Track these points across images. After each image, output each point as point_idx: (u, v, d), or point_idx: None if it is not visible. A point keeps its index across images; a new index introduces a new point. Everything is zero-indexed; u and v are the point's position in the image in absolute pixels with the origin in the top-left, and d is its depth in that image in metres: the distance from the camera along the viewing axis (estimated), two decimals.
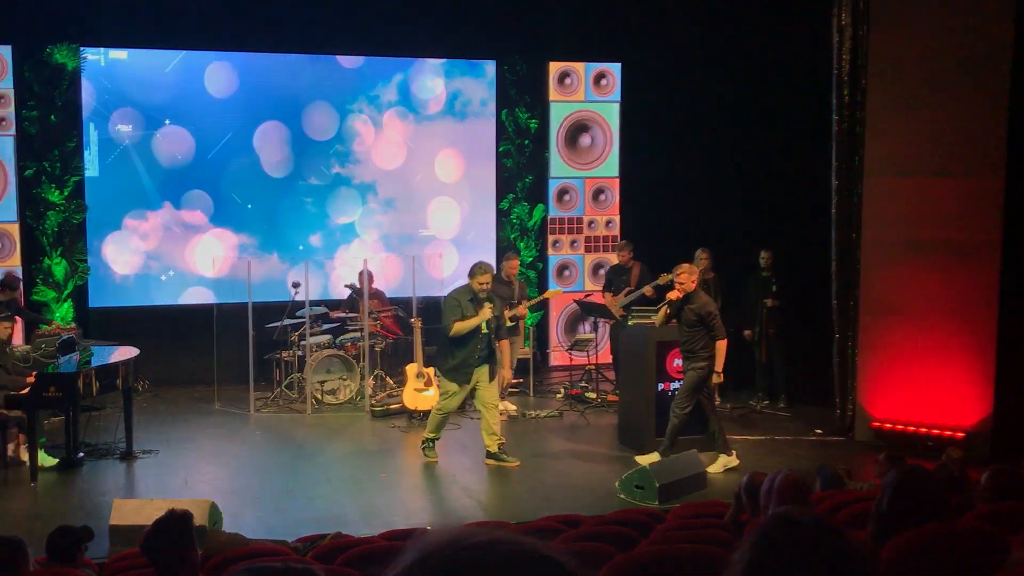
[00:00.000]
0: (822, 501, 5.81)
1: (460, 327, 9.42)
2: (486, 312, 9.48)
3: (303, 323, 12.04)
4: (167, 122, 13.15)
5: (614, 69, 14.57)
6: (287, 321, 12.17)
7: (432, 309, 11.95)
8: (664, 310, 9.69)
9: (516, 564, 1.29)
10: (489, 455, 9.68)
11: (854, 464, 9.17)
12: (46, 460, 9.41)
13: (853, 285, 10.63)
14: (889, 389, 10.35)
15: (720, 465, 9.36)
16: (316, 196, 13.81)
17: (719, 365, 9.26)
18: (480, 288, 9.49)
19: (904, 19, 10.29)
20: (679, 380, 9.95)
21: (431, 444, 9.77)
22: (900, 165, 10.26)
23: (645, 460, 9.16)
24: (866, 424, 10.50)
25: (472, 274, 9.56)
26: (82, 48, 12.69)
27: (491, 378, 9.67)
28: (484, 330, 9.58)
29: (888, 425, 10.31)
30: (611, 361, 12.86)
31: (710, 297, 9.92)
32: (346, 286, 13.08)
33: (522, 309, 11.87)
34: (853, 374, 10.66)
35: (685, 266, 9.53)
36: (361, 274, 12.43)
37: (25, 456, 9.37)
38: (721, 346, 9.25)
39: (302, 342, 12.06)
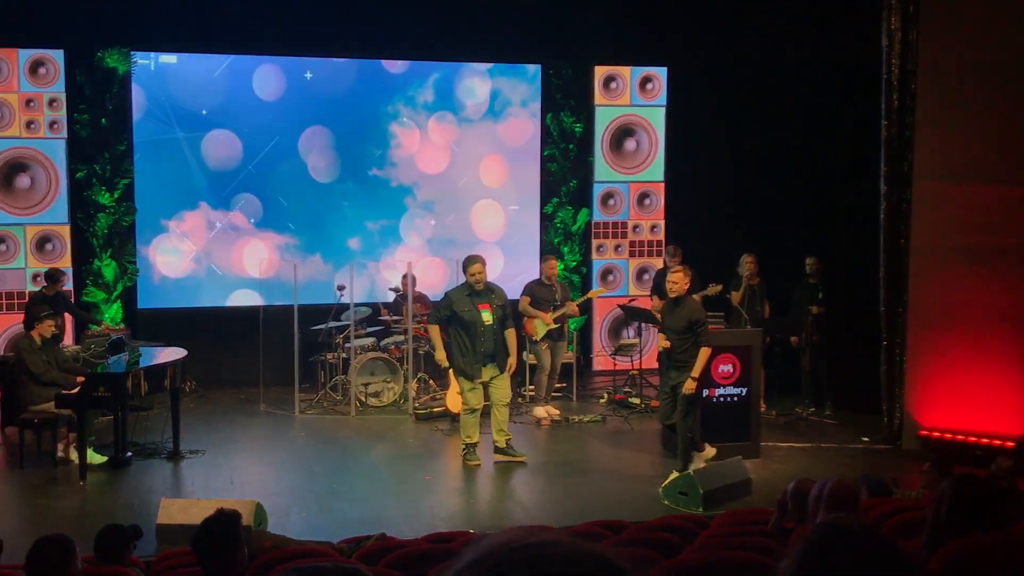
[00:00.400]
0: (869, 510, 5.75)
1: (433, 332, 9.86)
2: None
3: (347, 326, 12.10)
4: (215, 126, 13.28)
5: (660, 73, 14.53)
6: (332, 324, 12.24)
7: None
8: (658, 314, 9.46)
9: (574, 566, 1.28)
10: (497, 450, 9.79)
11: (901, 473, 9.06)
12: (95, 458, 9.53)
13: (902, 292, 10.51)
14: (937, 397, 10.22)
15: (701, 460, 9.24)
16: (361, 199, 13.87)
17: (696, 371, 9.05)
18: (475, 280, 9.63)
19: (954, 23, 10.17)
20: (724, 386, 9.90)
21: (471, 449, 9.76)
22: (950, 170, 10.13)
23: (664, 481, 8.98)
24: (914, 432, 10.37)
25: (464, 268, 9.81)
26: (132, 52, 12.84)
27: (502, 370, 9.75)
28: (488, 322, 9.62)
29: (936, 434, 10.18)
30: (655, 366, 12.80)
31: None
32: (391, 290, 13.14)
33: (573, 307, 11.91)
34: (901, 382, 10.53)
35: (680, 268, 9.38)
36: (405, 277, 12.47)
37: (74, 455, 9.50)
38: (704, 353, 9.02)
39: (346, 344, 12.13)
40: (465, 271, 9.75)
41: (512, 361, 9.89)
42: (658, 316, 12.01)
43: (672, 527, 5.96)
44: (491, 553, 1.30)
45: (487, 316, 9.63)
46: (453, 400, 11.30)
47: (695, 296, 9.73)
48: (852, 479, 7.20)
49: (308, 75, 13.58)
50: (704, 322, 9.08)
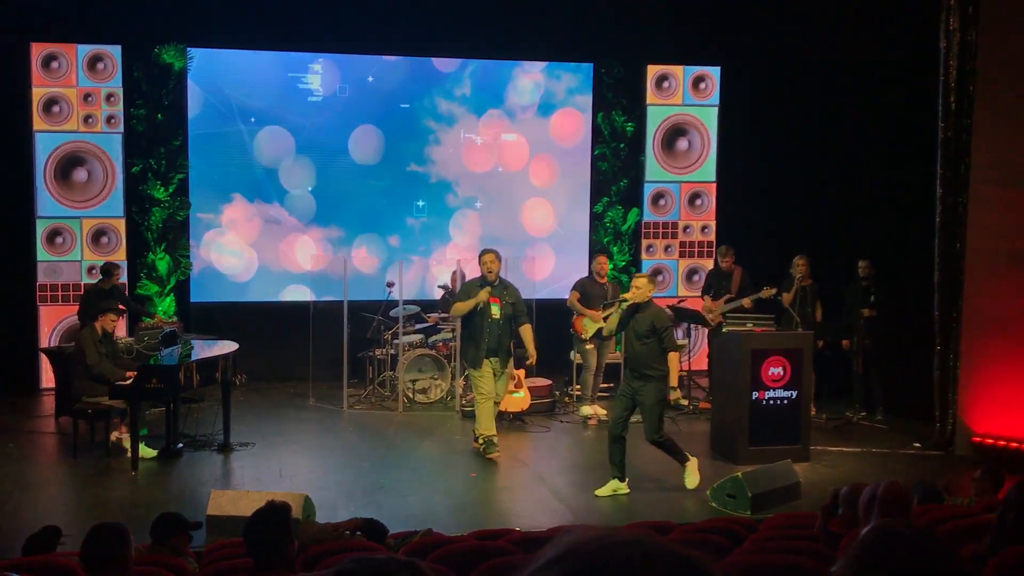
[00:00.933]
0: (920, 516, 5.67)
1: (458, 307, 9.95)
2: (482, 295, 9.70)
3: (396, 322, 12.16)
4: (267, 122, 13.40)
5: (713, 72, 14.44)
6: (380, 319, 12.30)
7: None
8: (612, 317, 9.08)
9: (660, 566, 1.27)
10: (477, 439, 9.91)
11: (953, 479, 8.94)
12: (146, 452, 9.64)
13: (956, 296, 10.36)
14: (991, 403, 10.07)
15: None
16: (410, 196, 13.93)
17: (674, 379, 8.89)
18: (487, 270, 9.81)
19: (1014, 24, 10.02)
20: (774, 389, 9.82)
21: (490, 441, 9.77)
22: (1008, 174, 9.98)
23: (605, 492, 8.74)
24: (966, 438, 10.23)
25: (479, 258, 10.05)
26: (188, 49, 13.00)
27: (504, 366, 9.90)
28: (495, 315, 9.72)
29: (990, 440, 10.03)
30: (704, 368, 12.74)
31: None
32: (439, 287, 13.18)
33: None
34: (954, 387, 10.39)
35: (644, 276, 9.04)
36: (454, 274, 12.51)
37: (127, 445, 9.62)
38: (674, 359, 8.78)
39: (395, 341, 12.18)
40: (479, 261, 10.00)
41: (532, 352, 9.99)
42: (708, 316, 11.98)
43: (720, 530, 5.93)
44: (571, 552, 1.28)
45: (495, 310, 9.75)
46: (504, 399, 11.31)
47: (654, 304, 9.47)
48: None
49: (370, 79, 13.68)
50: (669, 327, 8.79)
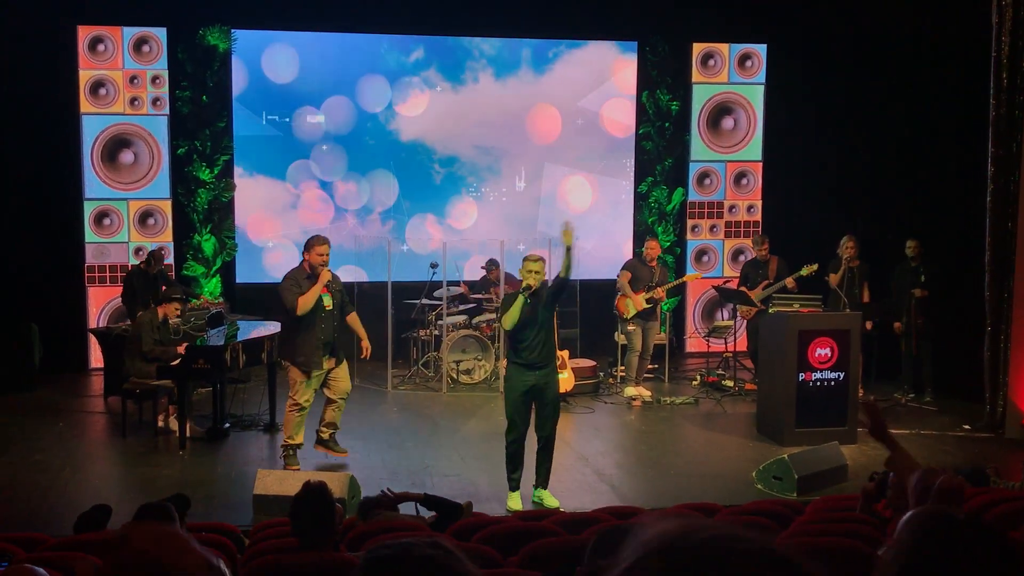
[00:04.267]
0: (968, 500, 5.59)
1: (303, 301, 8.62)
2: (326, 274, 8.64)
3: (440, 303, 12.17)
4: (310, 103, 13.43)
5: (760, 50, 14.28)
6: (425, 301, 12.32)
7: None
8: (513, 311, 7.84)
9: (756, 564, 1.22)
10: (319, 442, 9.11)
11: (1004, 462, 8.83)
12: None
13: (1007, 276, 10.19)
14: None
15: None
16: (456, 176, 13.92)
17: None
18: (321, 263, 8.69)
19: None
20: (821, 370, 9.72)
21: (292, 452, 8.89)
22: None
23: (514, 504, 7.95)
24: (1017, 421, 10.08)
25: (307, 248, 8.85)
26: (233, 30, 13.04)
27: (340, 361, 8.99)
28: (328, 307, 8.79)
29: None
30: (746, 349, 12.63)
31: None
32: (483, 267, 13.17)
33: (660, 293, 11.75)
34: (1005, 369, 10.23)
35: (541, 258, 8.00)
36: (494, 260, 12.51)
37: (175, 425, 9.72)
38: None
39: (439, 322, 12.20)
40: (309, 251, 8.79)
41: (366, 345, 9.20)
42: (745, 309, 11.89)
43: (765, 511, 5.89)
44: (666, 549, 1.23)
45: (327, 300, 8.82)
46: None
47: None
48: (950, 468, 7.04)
49: (418, 53, 13.65)
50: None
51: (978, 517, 2.09)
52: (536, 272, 7.80)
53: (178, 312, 10.24)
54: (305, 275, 8.78)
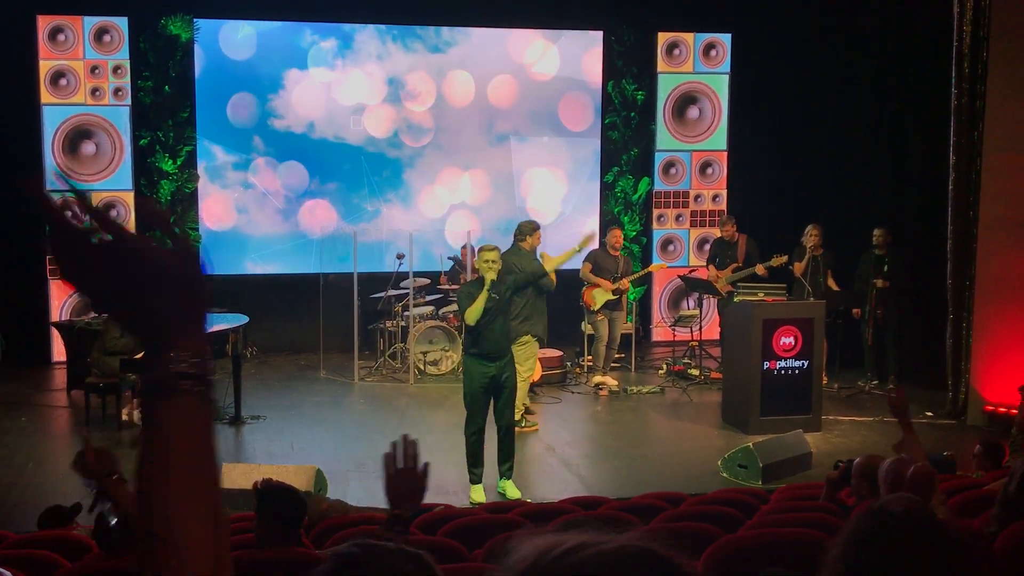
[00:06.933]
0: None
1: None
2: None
3: (407, 294, 12.14)
4: (271, 91, 13.34)
5: (724, 39, 14.31)
6: (391, 292, 12.29)
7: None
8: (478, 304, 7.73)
9: (625, 565, 1.19)
10: None
11: (965, 448, 8.92)
12: None
13: (969, 265, 10.29)
14: (1004, 372, 10.02)
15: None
16: (415, 167, 13.87)
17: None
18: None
19: None
20: (786, 359, 9.79)
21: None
22: (1022, 141, 9.88)
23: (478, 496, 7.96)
24: (979, 408, 10.21)
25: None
26: (195, 20, 12.92)
27: None
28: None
29: (1002, 409, 9.98)
30: (716, 337, 12.70)
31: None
32: (449, 258, 13.15)
33: (625, 284, 11.77)
34: (967, 356, 10.34)
35: (496, 248, 8.01)
36: (464, 247, 12.48)
37: (138, 418, 9.63)
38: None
39: (405, 313, 12.17)
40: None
41: None
42: (717, 285, 11.96)
43: (731, 501, 5.91)
44: (535, 567, 1.20)
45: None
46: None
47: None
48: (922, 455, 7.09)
49: (376, 49, 13.57)
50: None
51: (922, 510, 2.11)
52: (494, 262, 7.78)
53: None
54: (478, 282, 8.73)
